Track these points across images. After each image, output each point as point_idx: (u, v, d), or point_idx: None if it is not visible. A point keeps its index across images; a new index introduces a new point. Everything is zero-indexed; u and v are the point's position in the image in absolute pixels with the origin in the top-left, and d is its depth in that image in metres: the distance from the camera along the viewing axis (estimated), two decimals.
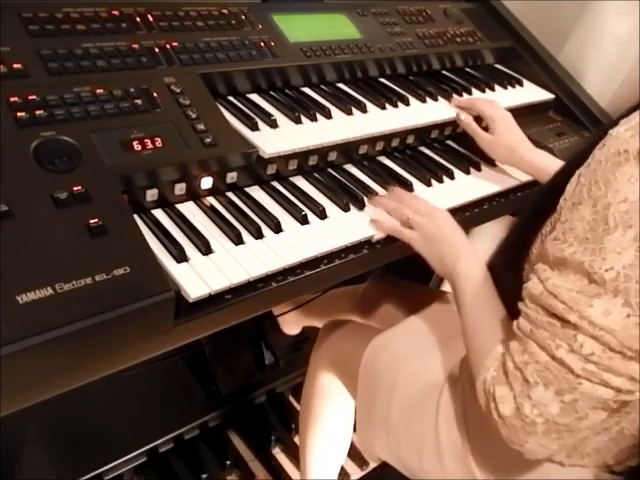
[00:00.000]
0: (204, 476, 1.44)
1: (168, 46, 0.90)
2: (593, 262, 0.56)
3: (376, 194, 0.96)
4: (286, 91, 1.06)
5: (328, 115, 1.01)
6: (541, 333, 0.60)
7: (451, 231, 0.85)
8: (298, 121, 0.97)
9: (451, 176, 1.08)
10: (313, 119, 0.99)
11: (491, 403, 0.64)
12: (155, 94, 0.82)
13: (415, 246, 0.86)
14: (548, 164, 1.02)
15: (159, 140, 0.78)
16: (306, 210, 0.88)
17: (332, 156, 1.01)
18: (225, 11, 1.01)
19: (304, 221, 0.86)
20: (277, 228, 0.83)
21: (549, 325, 0.60)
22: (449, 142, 1.22)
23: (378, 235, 0.88)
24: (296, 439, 1.59)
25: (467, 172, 1.11)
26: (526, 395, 0.60)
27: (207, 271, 0.72)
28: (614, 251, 0.55)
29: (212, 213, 0.83)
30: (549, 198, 0.66)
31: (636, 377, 0.57)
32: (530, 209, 0.75)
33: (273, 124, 0.93)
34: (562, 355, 0.58)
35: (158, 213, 0.81)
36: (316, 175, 0.99)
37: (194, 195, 0.85)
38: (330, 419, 1.24)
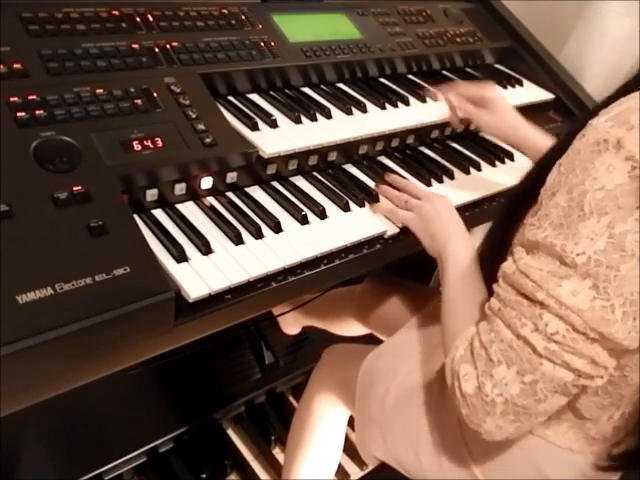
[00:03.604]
0: (204, 476, 1.44)
1: (168, 46, 0.90)
2: (565, 246, 0.57)
3: (377, 194, 0.96)
4: (286, 91, 1.06)
5: (328, 115, 1.01)
6: (508, 312, 0.62)
7: (447, 214, 0.86)
8: (298, 121, 0.97)
9: (451, 176, 1.08)
10: (313, 119, 0.99)
11: (455, 381, 0.65)
12: (155, 94, 0.82)
13: (409, 225, 0.88)
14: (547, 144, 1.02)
15: (159, 140, 0.78)
16: (306, 210, 0.88)
17: (332, 156, 1.01)
18: (225, 11, 1.01)
19: (304, 221, 0.86)
20: (277, 228, 0.83)
21: (517, 304, 0.61)
22: (449, 142, 1.22)
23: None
24: None
25: (467, 172, 1.11)
26: (488, 374, 0.62)
27: (207, 271, 0.72)
28: (587, 237, 0.56)
29: (212, 213, 0.83)
30: (529, 188, 0.67)
31: (597, 360, 0.58)
32: (510, 200, 0.76)
33: (273, 124, 0.93)
34: (526, 334, 0.59)
35: (158, 213, 0.81)
36: (316, 175, 0.99)
37: (194, 195, 0.85)
38: (323, 442, 1.23)
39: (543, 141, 0.98)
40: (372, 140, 1.06)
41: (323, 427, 1.21)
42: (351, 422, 1.10)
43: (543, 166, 0.67)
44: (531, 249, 0.62)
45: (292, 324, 1.61)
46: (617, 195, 0.55)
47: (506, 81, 1.33)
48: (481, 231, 0.96)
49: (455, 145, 1.21)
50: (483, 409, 0.63)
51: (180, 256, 0.73)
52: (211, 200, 0.86)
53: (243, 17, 1.03)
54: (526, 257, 0.62)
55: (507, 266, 0.64)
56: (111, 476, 1.34)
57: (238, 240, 0.79)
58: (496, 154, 1.20)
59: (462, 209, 1.01)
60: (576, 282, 0.57)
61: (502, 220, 0.76)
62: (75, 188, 0.66)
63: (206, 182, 0.84)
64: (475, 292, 0.75)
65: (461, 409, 0.65)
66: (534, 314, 0.59)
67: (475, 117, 1.03)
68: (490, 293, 0.74)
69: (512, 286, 0.62)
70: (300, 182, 0.96)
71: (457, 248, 0.81)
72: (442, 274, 0.81)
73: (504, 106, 1.03)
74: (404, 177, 1.04)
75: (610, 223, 0.55)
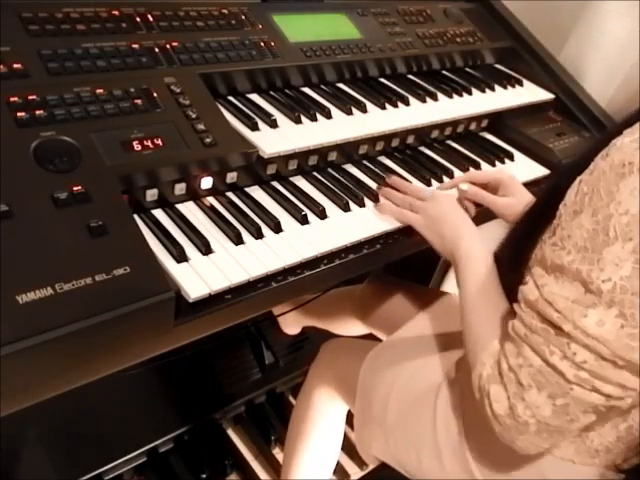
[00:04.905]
0: (204, 476, 1.44)
1: (168, 46, 0.90)
2: (591, 272, 0.56)
3: (377, 194, 0.97)
4: (286, 91, 1.06)
5: (328, 115, 1.01)
6: (535, 338, 0.61)
7: (453, 212, 0.86)
8: (298, 121, 0.97)
9: (451, 176, 1.08)
10: (313, 119, 0.99)
11: (485, 399, 0.65)
12: (155, 94, 0.82)
13: (417, 227, 0.88)
14: None
15: (159, 140, 0.78)
16: (306, 210, 0.88)
17: (332, 156, 1.01)
18: (225, 11, 1.01)
19: (304, 221, 0.86)
20: (277, 228, 0.83)
21: (543, 331, 0.60)
22: (449, 142, 1.22)
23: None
24: None
25: (467, 172, 1.11)
26: (520, 397, 0.61)
27: (207, 271, 0.72)
28: (612, 262, 0.55)
29: (212, 213, 0.83)
30: (549, 203, 0.66)
31: (626, 385, 0.58)
32: (529, 213, 0.76)
33: (273, 124, 0.93)
34: (555, 361, 0.59)
35: (158, 213, 0.81)
36: (316, 175, 0.99)
37: (194, 195, 0.85)
38: (322, 436, 1.24)
39: None
40: (372, 140, 1.06)
41: (322, 421, 1.21)
42: (350, 421, 1.10)
43: (563, 181, 0.66)
44: (554, 271, 0.61)
45: (292, 324, 1.61)
46: None
47: (506, 81, 1.33)
48: (480, 235, 0.96)
49: (455, 145, 1.21)
50: (516, 429, 0.63)
51: (180, 256, 0.73)
52: (211, 200, 0.86)
53: (243, 17, 1.03)
54: (549, 282, 0.61)
55: (529, 291, 0.63)
56: (111, 476, 1.34)
57: (238, 240, 0.79)
58: (496, 154, 1.20)
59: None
60: (602, 311, 0.56)
61: (518, 234, 0.75)
62: (75, 188, 0.66)
63: (206, 182, 0.84)
64: (495, 300, 0.74)
65: (494, 427, 0.66)
66: (561, 343, 0.59)
67: (491, 204, 0.97)
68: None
69: (537, 312, 0.61)
70: (300, 182, 0.96)
71: (470, 247, 0.80)
72: (458, 274, 0.81)
73: (515, 184, 0.98)
74: (404, 177, 1.04)
75: (635, 248, 0.54)
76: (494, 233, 0.82)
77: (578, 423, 0.61)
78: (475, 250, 0.80)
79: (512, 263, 0.72)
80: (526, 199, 0.95)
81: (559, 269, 0.60)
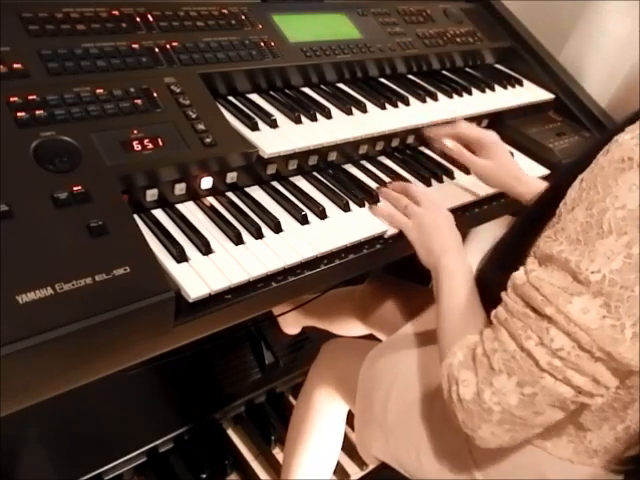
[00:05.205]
0: (204, 476, 1.44)
1: (168, 46, 0.90)
2: (580, 262, 0.57)
3: (377, 194, 0.96)
4: (286, 91, 1.06)
5: (328, 115, 1.01)
6: (515, 322, 0.61)
7: (445, 226, 0.85)
8: (298, 121, 0.97)
9: (451, 176, 1.08)
10: (313, 119, 0.99)
11: (453, 386, 0.65)
12: (155, 94, 0.82)
13: (406, 233, 0.87)
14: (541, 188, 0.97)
15: (159, 140, 0.78)
16: (306, 210, 0.88)
17: (332, 156, 1.01)
18: (225, 11, 1.01)
19: (304, 221, 0.86)
20: (277, 228, 0.83)
21: (524, 316, 0.60)
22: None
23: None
24: None
25: (467, 172, 1.11)
26: (488, 382, 0.61)
27: (207, 271, 0.72)
28: (604, 255, 0.55)
29: (212, 213, 0.83)
30: (550, 202, 0.67)
31: (600, 379, 0.57)
32: (530, 211, 0.76)
33: (273, 124, 0.93)
34: (530, 347, 0.59)
35: (158, 213, 0.81)
36: (316, 175, 0.99)
37: (194, 195, 0.85)
38: (322, 436, 1.24)
39: (538, 187, 0.94)
40: (372, 140, 1.06)
41: (322, 422, 1.21)
42: (350, 421, 1.10)
43: (564, 180, 0.66)
44: (544, 261, 0.61)
45: (292, 324, 1.61)
46: (638, 215, 0.54)
47: (506, 81, 1.33)
48: (480, 235, 0.96)
49: None
50: (480, 415, 0.62)
51: (180, 256, 0.73)
52: (211, 200, 0.86)
53: (243, 17, 1.03)
54: (538, 269, 0.61)
55: (518, 277, 0.63)
56: (111, 476, 1.34)
57: (238, 240, 0.79)
58: None
59: (462, 209, 1.02)
60: (587, 300, 0.56)
61: (518, 232, 0.75)
62: (75, 188, 0.66)
63: (206, 182, 0.84)
64: (471, 309, 0.75)
65: (457, 413, 0.65)
66: (540, 328, 0.58)
67: (471, 164, 1.01)
68: (494, 302, 0.74)
69: (521, 297, 0.62)
70: (300, 182, 0.96)
71: (453, 263, 0.80)
72: (437, 287, 0.81)
73: (497, 149, 1.00)
74: (404, 177, 1.04)
75: (629, 243, 0.54)
76: (494, 233, 0.82)
77: (544, 417, 0.61)
78: (458, 264, 0.80)
79: (510, 260, 0.72)
80: (506, 165, 0.99)
81: (548, 259, 0.60)
